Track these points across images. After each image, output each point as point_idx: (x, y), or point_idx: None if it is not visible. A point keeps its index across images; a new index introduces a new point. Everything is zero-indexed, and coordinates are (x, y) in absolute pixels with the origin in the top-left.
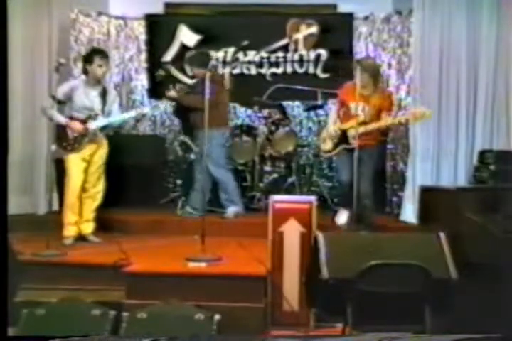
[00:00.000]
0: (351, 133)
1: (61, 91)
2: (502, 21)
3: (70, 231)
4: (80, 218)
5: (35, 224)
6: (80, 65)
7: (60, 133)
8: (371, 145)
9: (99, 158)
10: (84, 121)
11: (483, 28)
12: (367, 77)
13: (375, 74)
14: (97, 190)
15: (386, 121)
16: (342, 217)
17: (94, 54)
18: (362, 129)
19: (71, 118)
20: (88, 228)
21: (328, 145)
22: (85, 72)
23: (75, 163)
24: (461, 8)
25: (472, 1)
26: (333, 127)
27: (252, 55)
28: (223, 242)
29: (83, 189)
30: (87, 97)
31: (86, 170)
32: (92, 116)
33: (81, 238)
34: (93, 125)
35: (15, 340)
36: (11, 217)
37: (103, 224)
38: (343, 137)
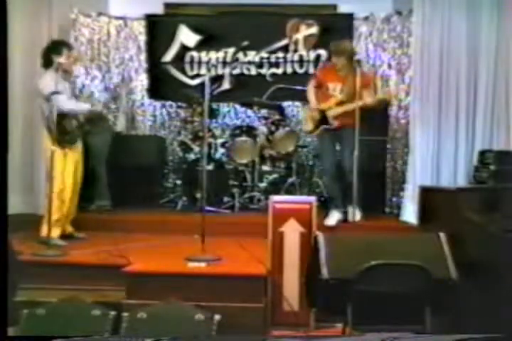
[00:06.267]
0: (330, 113)
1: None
2: (502, 21)
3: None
4: (67, 217)
5: (35, 223)
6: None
7: (59, 130)
8: (351, 124)
9: (81, 155)
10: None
11: (483, 28)
12: (343, 60)
13: (350, 56)
14: (79, 187)
15: (364, 100)
16: (332, 218)
17: (63, 46)
18: (340, 109)
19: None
20: (70, 226)
21: (309, 126)
22: (48, 64)
23: (70, 160)
24: (461, 8)
25: (472, 1)
26: (314, 106)
27: (252, 56)
28: (223, 242)
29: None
30: (66, 92)
31: (76, 167)
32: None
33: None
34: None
35: (15, 340)
36: (11, 216)
37: (103, 223)
38: (323, 117)
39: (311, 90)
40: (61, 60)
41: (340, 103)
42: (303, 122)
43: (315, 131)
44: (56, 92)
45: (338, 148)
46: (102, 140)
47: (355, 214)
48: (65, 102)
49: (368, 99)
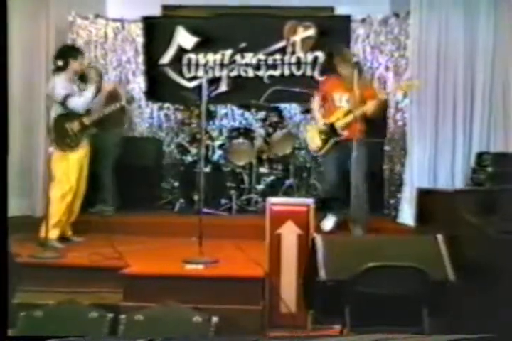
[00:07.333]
0: (339, 124)
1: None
2: (499, 24)
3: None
4: (67, 220)
5: (32, 226)
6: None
7: (59, 133)
8: (360, 136)
9: (87, 158)
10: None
11: (480, 30)
12: (348, 69)
13: (355, 65)
14: (83, 190)
15: (372, 103)
16: (328, 223)
17: (78, 51)
18: (349, 118)
19: (66, 115)
20: (69, 229)
21: (317, 142)
22: (64, 68)
23: (73, 162)
24: (458, 10)
25: (469, 3)
26: (321, 122)
27: (249, 58)
28: (221, 244)
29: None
30: (76, 94)
31: (80, 170)
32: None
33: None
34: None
35: (15, 340)
36: (9, 218)
37: (101, 225)
38: (331, 131)
39: (316, 107)
40: (77, 64)
41: (348, 113)
42: (309, 141)
43: (324, 147)
44: (69, 95)
45: (343, 158)
46: (111, 142)
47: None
48: (81, 104)
49: (371, 102)
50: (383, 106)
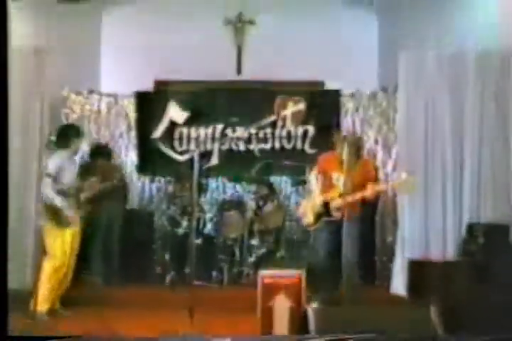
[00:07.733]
0: (333, 204)
1: (54, 166)
2: (486, 97)
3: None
4: (57, 293)
5: (21, 299)
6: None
7: (53, 210)
8: (354, 217)
9: (79, 232)
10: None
11: (468, 104)
12: (351, 151)
13: (358, 147)
14: (73, 263)
15: (368, 191)
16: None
17: (79, 130)
18: (344, 200)
19: (62, 192)
20: (58, 302)
21: (309, 218)
22: (67, 146)
23: (66, 238)
24: (444, 84)
25: (456, 77)
26: (316, 199)
27: (240, 131)
28: (212, 317)
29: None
30: (72, 171)
31: (73, 244)
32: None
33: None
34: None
35: (15, 340)
36: None
37: (89, 297)
38: (324, 210)
39: (313, 179)
40: (80, 142)
41: (344, 194)
42: (302, 215)
43: (316, 224)
44: (65, 174)
45: (335, 231)
46: (105, 216)
47: None
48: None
49: (369, 191)
50: (382, 191)
